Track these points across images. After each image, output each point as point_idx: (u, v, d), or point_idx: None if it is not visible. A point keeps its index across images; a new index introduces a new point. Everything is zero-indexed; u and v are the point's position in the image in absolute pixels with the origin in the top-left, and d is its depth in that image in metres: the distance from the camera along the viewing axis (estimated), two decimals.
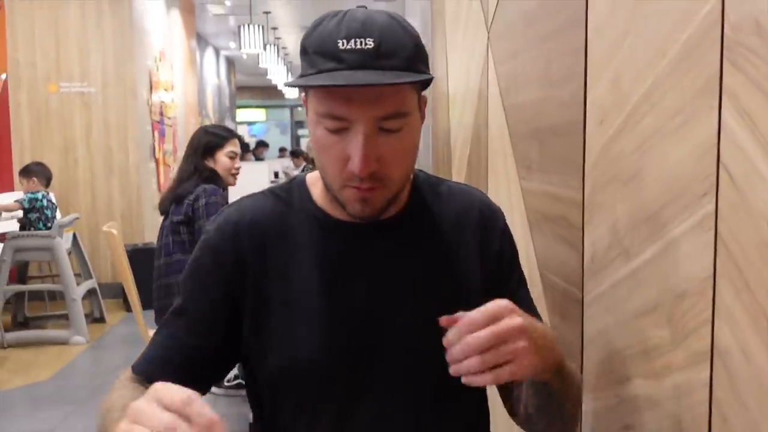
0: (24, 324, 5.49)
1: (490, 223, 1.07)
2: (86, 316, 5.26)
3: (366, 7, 0.93)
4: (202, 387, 0.95)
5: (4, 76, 6.24)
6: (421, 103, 0.97)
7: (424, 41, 0.93)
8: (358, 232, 0.99)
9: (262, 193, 1.05)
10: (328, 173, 0.92)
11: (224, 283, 0.97)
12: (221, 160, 3.08)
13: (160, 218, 3.12)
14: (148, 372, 0.95)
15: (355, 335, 0.96)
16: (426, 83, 0.95)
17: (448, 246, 1.03)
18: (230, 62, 15.36)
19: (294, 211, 1.01)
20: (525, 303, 1.00)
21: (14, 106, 6.22)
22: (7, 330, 5.05)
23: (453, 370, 0.77)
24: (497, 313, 0.79)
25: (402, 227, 1.01)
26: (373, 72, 0.84)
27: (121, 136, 6.38)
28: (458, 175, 2.80)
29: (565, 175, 1.28)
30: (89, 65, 6.30)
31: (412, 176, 1.05)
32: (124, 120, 6.37)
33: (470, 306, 0.90)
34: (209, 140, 3.09)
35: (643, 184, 0.96)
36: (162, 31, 7.42)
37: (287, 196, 1.03)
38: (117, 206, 6.38)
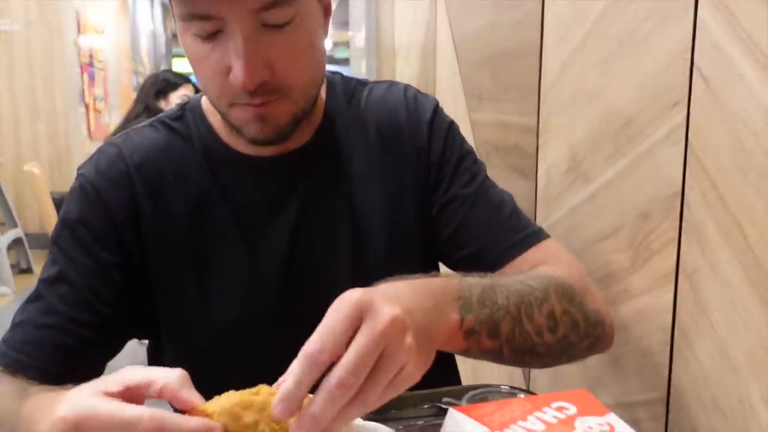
0: None
1: (416, 123, 0.85)
2: (12, 266, 5.00)
3: None
4: (89, 374, 0.62)
5: None
6: None
7: None
8: (268, 169, 0.81)
9: (151, 125, 0.85)
10: (210, 91, 0.74)
11: (114, 240, 0.77)
12: (174, 102, 2.99)
13: None
14: (20, 361, 0.72)
15: (275, 298, 0.80)
16: None
17: (373, 172, 0.83)
18: (165, 8, 14.71)
19: (192, 147, 0.82)
20: (482, 204, 0.81)
21: None
22: None
23: None
24: (350, 319, 0.50)
25: (318, 154, 0.83)
26: None
27: (46, 79, 6.00)
28: None
29: (518, 101, 1.22)
30: (10, 1, 5.88)
31: (324, 84, 0.86)
32: (49, 61, 5.98)
33: (405, 249, 0.79)
34: (164, 82, 3.07)
35: (605, 102, 0.90)
36: None
37: (183, 127, 0.83)
38: (44, 152, 6.04)
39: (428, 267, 0.82)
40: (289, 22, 0.69)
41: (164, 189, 0.79)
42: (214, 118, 0.82)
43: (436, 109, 0.87)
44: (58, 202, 4.27)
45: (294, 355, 0.49)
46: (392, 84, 0.89)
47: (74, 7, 6.35)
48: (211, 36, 0.68)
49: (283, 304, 0.79)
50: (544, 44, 1.09)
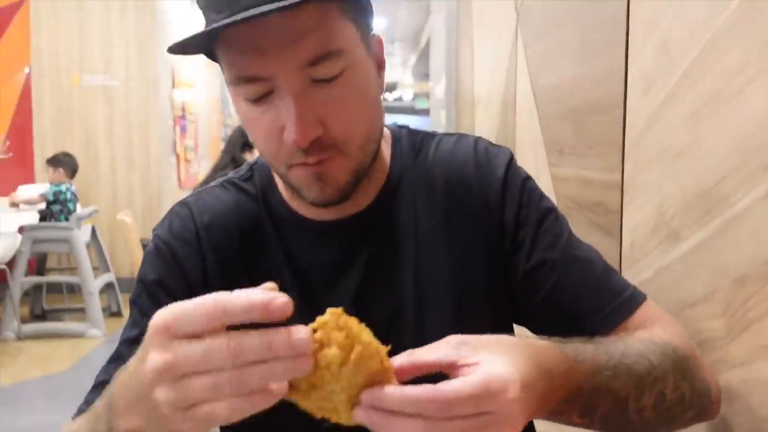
0: (41, 316, 5.47)
1: (487, 178, 0.79)
2: (103, 309, 5.23)
3: None
4: None
5: (27, 69, 6.26)
6: (370, 40, 0.74)
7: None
8: (329, 233, 0.79)
9: (222, 185, 0.85)
10: (266, 154, 0.73)
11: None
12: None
13: None
14: None
15: None
16: (359, 11, 0.70)
17: (439, 235, 0.79)
18: None
19: (259, 207, 0.82)
20: (573, 269, 0.75)
21: (37, 99, 6.22)
22: (24, 322, 5.04)
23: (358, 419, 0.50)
24: (484, 396, 0.49)
25: (381, 218, 0.79)
26: (274, 4, 0.63)
27: (142, 131, 6.36)
28: None
29: (601, 156, 1.18)
30: (112, 59, 6.29)
31: (390, 141, 0.84)
32: (145, 114, 6.34)
33: (473, 316, 0.74)
34: None
35: (695, 158, 0.86)
36: (186, 27, 7.41)
37: (251, 187, 0.83)
38: (137, 200, 6.36)
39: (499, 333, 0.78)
40: (338, 75, 0.67)
41: (231, 251, 0.80)
42: (279, 180, 0.82)
43: (510, 163, 0.81)
44: None
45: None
46: (462, 136, 0.85)
47: (170, 63, 6.72)
48: (262, 98, 0.68)
49: None
50: (628, 98, 1.06)
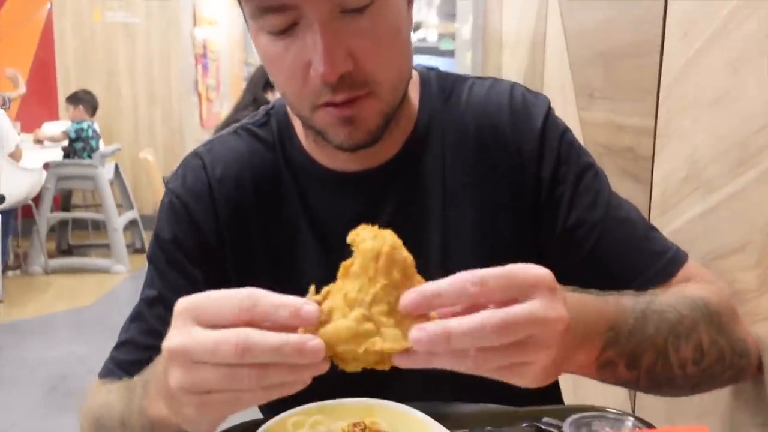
0: (67, 251, 5.59)
1: (524, 128, 0.75)
2: (127, 246, 5.32)
3: None
4: None
5: (49, 5, 6.21)
6: None
7: None
8: (353, 185, 0.76)
9: (236, 131, 0.81)
10: (289, 95, 0.68)
11: (204, 257, 0.76)
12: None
13: None
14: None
15: None
16: None
17: (468, 185, 0.75)
18: None
19: (275, 156, 0.78)
20: (614, 230, 0.72)
21: (59, 35, 6.19)
22: (51, 257, 5.15)
23: (414, 340, 0.45)
24: (525, 285, 0.47)
25: (407, 169, 0.76)
26: None
27: (163, 68, 6.33)
28: None
29: (634, 101, 1.15)
30: None
31: (418, 83, 0.79)
32: (167, 51, 6.30)
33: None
34: None
35: (732, 107, 0.83)
36: None
37: (266, 134, 0.79)
38: (159, 137, 6.38)
39: None
40: (369, 4, 0.62)
41: (245, 203, 0.77)
42: (299, 125, 0.78)
43: (548, 114, 0.77)
44: None
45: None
46: (496, 81, 0.80)
47: (191, 1, 6.63)
48: (286, 31, 0.63)
49: None
50: (665, 41, 1.02)
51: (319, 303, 0.48)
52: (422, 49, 17.28)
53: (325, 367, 0.47)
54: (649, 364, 0.62)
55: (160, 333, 0.71)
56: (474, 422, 0.67)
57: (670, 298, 0.66)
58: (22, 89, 5.33)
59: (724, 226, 0.83)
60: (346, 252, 0.63)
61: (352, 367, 0.48)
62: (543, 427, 0.66)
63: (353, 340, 0.46)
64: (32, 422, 2.87)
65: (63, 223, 5.55)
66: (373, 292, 0.47)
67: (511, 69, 2.62)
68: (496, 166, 0.75)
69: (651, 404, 1.08)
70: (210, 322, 0.47)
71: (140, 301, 0.78)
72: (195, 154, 0.81)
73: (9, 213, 4.72)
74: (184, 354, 0.47)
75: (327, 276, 0.50)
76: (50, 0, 6.17)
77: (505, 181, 0.75)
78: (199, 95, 6.94)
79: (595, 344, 0.58)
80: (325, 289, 0.49)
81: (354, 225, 0.76)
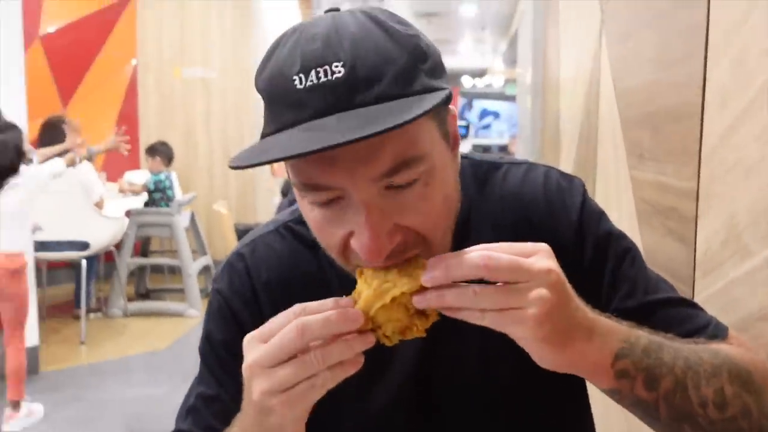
0: (145, 295, 5.85)
1: (560, 220, 0.75)
2: (201, 290, 5.53)
3: (337, 9, 0.66)
4: None
5: (134, 61, 6.65)
6: (448, 121, 0.66)
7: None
8: None
9: (277, 230, 0.81)
10: (333, 254, 0.66)
11: None
12: None
13: (272, 199, 3.26)
14: None
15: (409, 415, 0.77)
16: (446, 99, 0.60)
17: None
18: None
19: (316, 256, 0.75)
20: (654, 317, 0.72)
21: (142, 89, 6.61)
22: (130, 300, 5.41)
23: (424, 280, 0.56)
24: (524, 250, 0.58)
25: None
26: (350, 115, 0.56)
27: (238, 121, 6.63)
28: (566, 162, 2.68)
29: (678, 163, 1.18)
30: (210, 52, 6.59)
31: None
32: (242, 105, 6.61)
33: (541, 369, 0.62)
34: None
35: (766, 174, 0.86)
36: (279, 20, 7.63)
37: (307, 231, 0.71)
38: (232, 187, 6.65)
39: (568, 377, 0.73)
40: (417, 178, 0.60)
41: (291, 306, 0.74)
42: None
43: (584, 202, 0.76)
44: (241, 234, 4.70)
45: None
46: (531, 167, 0.79)
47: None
48: (330, 202, 0.61)
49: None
50: (705, 108, 1.06)
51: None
52: (489, 95, 17.37)
53: (371, 340, 0.58)
54: (668, 389, 0.63)
55: (217, 430, 0.77)
56: None
57: (688, 344, 0.67)
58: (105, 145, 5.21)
59: (761, 290, 0.86)
60: (394, 352, 0.67)
61: (390, 331, 0.59)
62: None
63: (379, 297, 0.58)
64: None
65: (141, 268, 5.82)
66: (383, 271, 0.60)
67: (568, 117, 2.66)
68: None
69: None
70: (271, 336, 0.58)
71: (196, 396, 0.80)
72: (239, 255, 0.81)
73: (93, 258, 5.01)
74: (260, 362, 0.58)
75: (376, 384, 0.62)
76: (135, 57, 6.60)
77: None
78: None
79: (609, 344, 0.61)
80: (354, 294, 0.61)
81: None
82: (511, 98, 12.77)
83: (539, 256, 0.57)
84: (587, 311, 0.61)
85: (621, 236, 0.78)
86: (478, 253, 0.56)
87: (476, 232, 0.75)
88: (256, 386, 0.58)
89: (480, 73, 17.06)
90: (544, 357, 0.59)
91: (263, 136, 0.62)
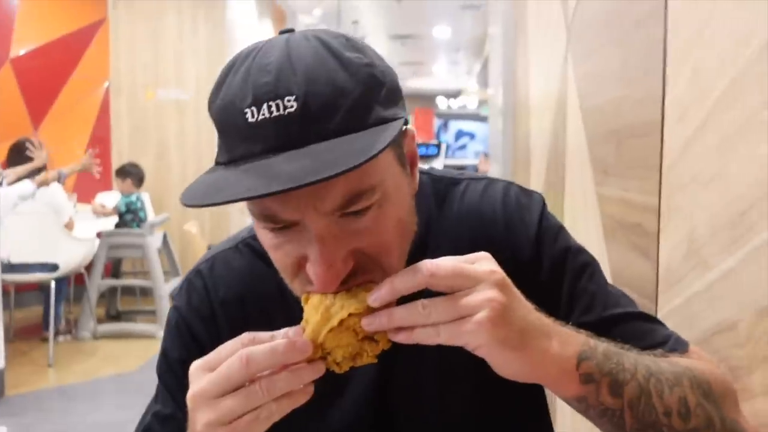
0: (116, 317, 5.75)
1: (517, 237, 0.74)
2: None
3: (292, 30, 0.65)
4: None
5: (106, 84, 6.60)
6: (405, 143, 0.65)
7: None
8: None
9: (236, 247, 0.80)
10: (285, 278, 0.65)
11: None
12: None
13: (245, 220, 3.22)
14: None
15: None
16: (401, 128, 0.61)
17: None
18: None
19: (277, 277, 0.67)
20: (613, 330, 0.71)
21: (115, 112, 6.56)
22: (100, 322, 5.31)
23: (370, 299, 0.57)
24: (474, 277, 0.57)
25: None
26: (302, 153, 0.55)
27: (212, 142, 6.59)
28: (536, 181, 2.70)
29: (640, 179, 1.19)
30: (184, 74, 6.56)
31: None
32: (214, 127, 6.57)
33: (500, 380, 0.60)
34: None
35: (724, 187, 0.87)
36: (254, 40, 7.64)
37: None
38: (206, 208, 6.58)
39: (528, 391, 0.73)
40: (372, 205, 0.59)
41: (249, 324, 0.69)
42: None
43: (542, 217, 0.76)
44: None
45: None
46: (491, 183, 0.78)
47: None
48: (284, 228, 0.60)
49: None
50: (665, 122, 1.07)
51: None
52: (464, 115, 17.54)
53: (321, 369, 0.57)
54: (632, 396, 0.61)
55: None
56: None
57: (647, 354, 0.66)
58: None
59: (719, 303, 0.86)
60: (349, 377, 0.66)
61: (340, 357, 0.58)
62: None
63: (326, 321, 0.57)
64: None
65: (112, 290, 5.73)
66: (331, 295, 0.59)
67: (538, 136, 2.68)
68: None
69: None
70: (218, 365, 0.56)
71: (153, 415, 0.80)
72: (197, 272, 0.81)
73: (62, 280, 4.91)
74: (203, 394, 0.56)
75: (333, 399, 0.60)
76: (107, 79, 6.55)
77: None
78: None
79: (570, 345, 0.60)
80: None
81: None
82: (486, 119, 12.90)
83: (481, 262, 0.58)
84: (542, 316, 0.61)
85: (579, 251, 0.78)
86: (420, 263, 0.56)
87: (433, 250, 0.73)
88: (200, 417, 0.57)
89: (455, 94, 17.23)
90: (506, 363, 0.57)
91: (217, 162, 0.62)
